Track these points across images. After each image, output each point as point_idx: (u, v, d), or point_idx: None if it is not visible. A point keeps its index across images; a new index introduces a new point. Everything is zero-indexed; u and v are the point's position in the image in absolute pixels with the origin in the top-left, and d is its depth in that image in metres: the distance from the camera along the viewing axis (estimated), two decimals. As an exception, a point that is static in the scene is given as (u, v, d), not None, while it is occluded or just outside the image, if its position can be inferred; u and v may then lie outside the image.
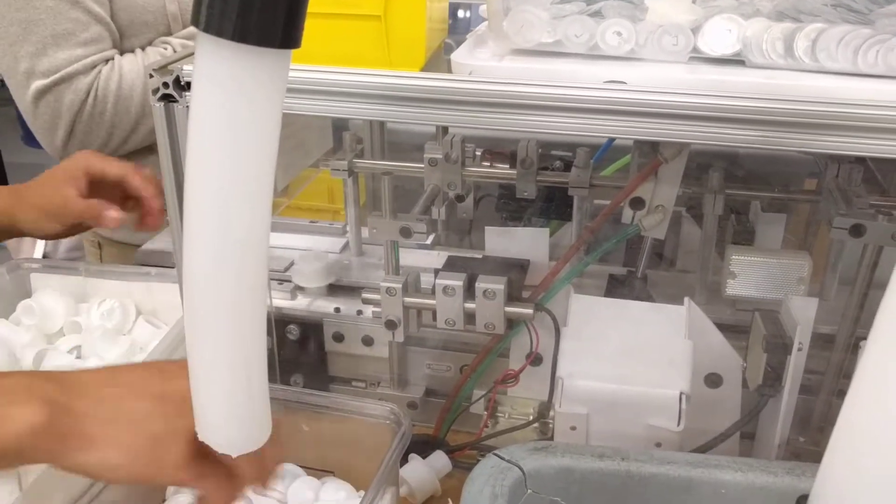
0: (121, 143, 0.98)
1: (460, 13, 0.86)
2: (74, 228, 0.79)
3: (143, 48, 0.99)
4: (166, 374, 0.47)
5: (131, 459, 0.45)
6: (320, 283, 0.81)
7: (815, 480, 0.39)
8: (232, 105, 0.37)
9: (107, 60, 0.95)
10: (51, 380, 0.45)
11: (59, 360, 0.75)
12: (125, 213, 0.77)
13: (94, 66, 0.93)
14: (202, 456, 0.46)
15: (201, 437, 0.44)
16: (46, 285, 0.82)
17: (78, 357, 0.76)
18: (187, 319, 0.42)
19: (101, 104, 0.94)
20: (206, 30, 0.36)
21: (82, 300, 0.82)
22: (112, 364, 0.74)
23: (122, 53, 0.99)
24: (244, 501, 0.63)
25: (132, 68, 0.95)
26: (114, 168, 0.78)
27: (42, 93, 0.92)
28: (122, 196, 0.79)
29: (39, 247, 1.32)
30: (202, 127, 0.38)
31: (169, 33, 1.01)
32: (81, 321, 0.79)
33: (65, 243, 1.32)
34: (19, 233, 0.79)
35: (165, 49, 0.98)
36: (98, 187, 0.77)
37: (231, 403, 0.43)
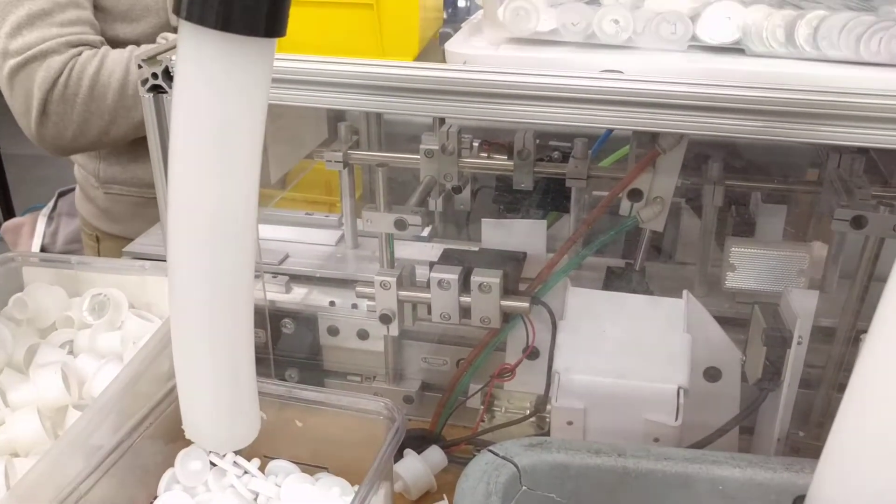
0: (100, 134, 0.96)
1: (461, 1, 0.85)
2: None
3: (144, 37, 0.98)
4: None
5: None
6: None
7: (812, 477, 0.39)
8: (216, 95, 0.37)
9: (91, 46, 0.93)
10: None
11: (51, 354, 0.74)
12: None
13: (70, 46, 0.91)
14: None
15: (189, 435, 0.44)
16: (39, 279, 0.81)
17: (70, 352, 0.75)
18: (173, 315, 0.41)
19: (74, 85, 0.91)
20: (188, 18, 0.35)
21: (75, 294, 0.82)
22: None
23: (123, 40, 0.98)
24: (237, 498, 0.62)
25: (117, 58, 0.93)
26: None
27: (15, 71, 0.90)
28: None
29: (37, 240, 1.32)
30: (185, 117, 0.37)
31: (167, 20, 0.99)
32: (74, 315, 0.79)
33: (63, 236, 1.31)
34: None
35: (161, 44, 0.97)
36: None
37: (218, 401, 0.42)
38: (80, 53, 0.92)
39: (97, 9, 0.98)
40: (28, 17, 0.90)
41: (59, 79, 0.91)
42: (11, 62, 0.90)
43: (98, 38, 0.95)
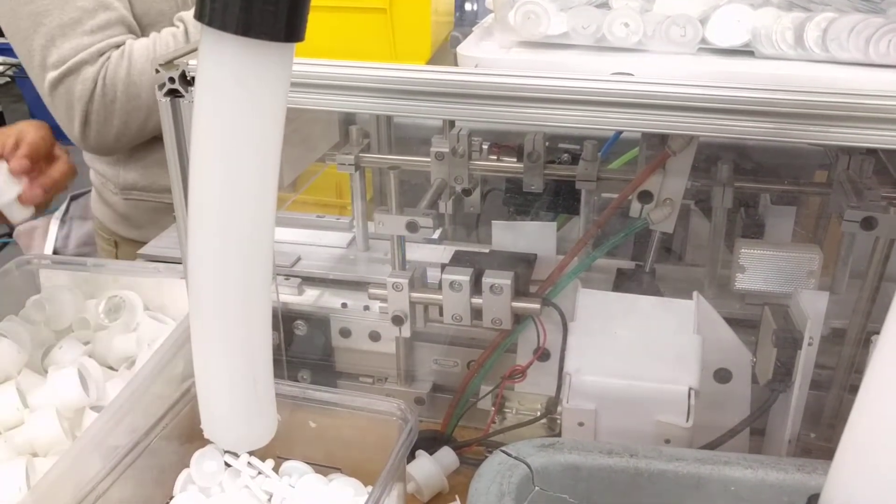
0: (139, 129, 0.98)
1: (468, 5, 0.86)
2: None
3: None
4: None
5: None
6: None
7: (826, 478, 0.39)
8: (236, 99, 0.37)
9: (118, 46, 0.94)
10: None
11: (68, 356, 0.75)
12: None
13: (101, 54, 0.93)
14: None
15: (207, 435, 0.44)
16: (55, 282, 0.82)
17: (86, 353, 0.76)
18: (192, 317, 0.42)
19: (111, 91, 0.93)
20: (210, 24, 0.36)
21: (91, 296, 0.82)
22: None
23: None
24: (252, 498, 0.63)
25: (143, 54, 0.94)
26: None
27: (55, 85, 0.93)
28: None
29: (50, 243, 1.33)
30: (206, 121, 0.38)
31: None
32: (90, 317, 0.79)
33: (75, 239, 1.32)
34: None
35: (178, 27, 0.97)
36: None
37: (237, 401, 0.43)
38: (109, 58, 0.93)
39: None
40: (60, 28, 0.91)
41: (95, 89, 0.93)
42: (50, 76, 0.92)
43: (125, 36, 0.96)
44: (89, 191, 1.25)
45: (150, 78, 0.93)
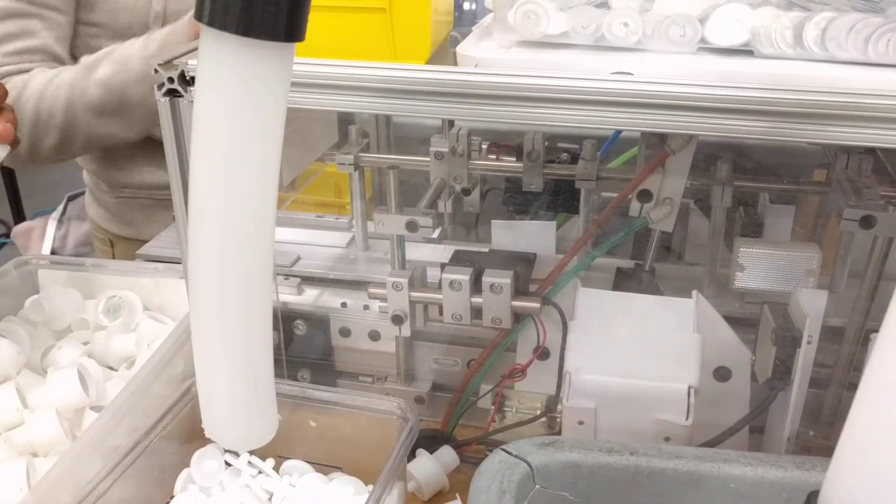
0: (30, 155, 0.96)
1: (466, 4, 0.86)
2: None
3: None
4: None
5: None
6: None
7: (825, 475, 0.39)
8: (236, 99, 0.37)
9: (25, 72, 0.94)
10: None
11: (67, 356, 0.75)
12: None
13: (1, 78, 0.93)
14: None
15: (208, 434, 0.44)
16: (54, 282, 0.82)
17: (86, 354, 0.76)
18: (193, 317, 0.42)
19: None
20: (210, 23, 0.36)
21: (90, 296, 0.82)
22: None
23: None
24: (252, 497, 0.63)
25: (40, 84, 0.94)
26: None
27: None
28: None
29: (47, 244, 1.33)
30: (206, 122, 0.38)
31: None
32: (89, 318, 0.79)
33: (72, 239, 1.32)
34: None
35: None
36: None
37: (237, 400, 0.43)
38: (7, 83, 0.93)
39: (94, 25, 0.98)
40: None
41: None
42: None
43: (35, 65, 0.95)
44: (85, 191, 1.25)
45: (33, 109, 0.93)
